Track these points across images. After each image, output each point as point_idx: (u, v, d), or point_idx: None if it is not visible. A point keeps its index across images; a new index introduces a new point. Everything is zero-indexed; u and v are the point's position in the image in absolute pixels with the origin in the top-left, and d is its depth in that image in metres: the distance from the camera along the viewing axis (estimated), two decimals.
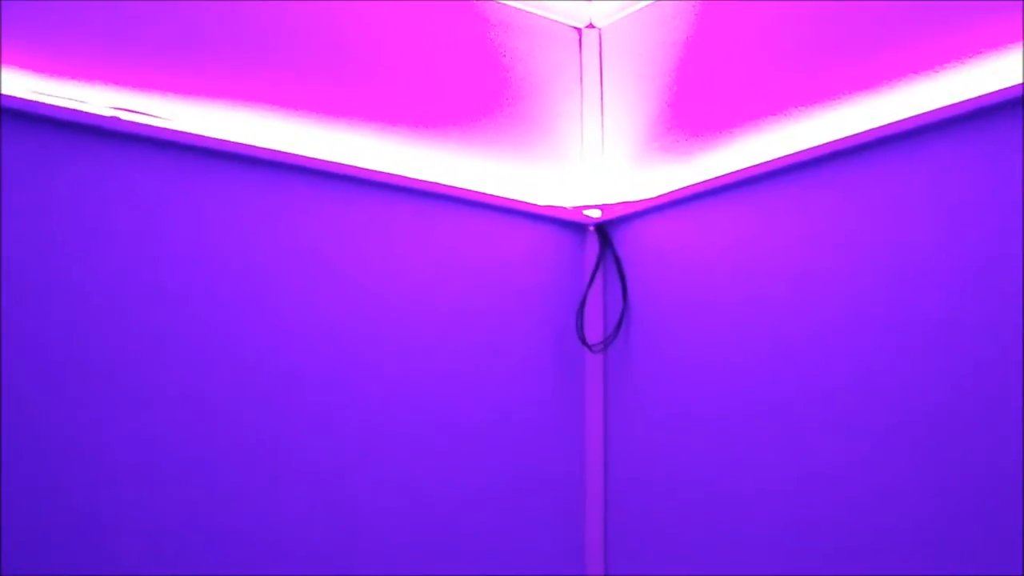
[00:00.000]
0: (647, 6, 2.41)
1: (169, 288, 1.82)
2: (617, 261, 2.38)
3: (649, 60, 2.39)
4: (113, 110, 1.81)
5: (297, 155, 2.01)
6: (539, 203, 2.37)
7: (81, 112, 1.75)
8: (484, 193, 2.28)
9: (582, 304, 2.36)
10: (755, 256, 2.09)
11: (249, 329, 1.91)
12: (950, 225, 1.75)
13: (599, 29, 2.52)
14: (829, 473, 1.89)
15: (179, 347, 1.81)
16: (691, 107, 2.28)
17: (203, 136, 1.89)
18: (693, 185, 2.22)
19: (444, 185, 2.22)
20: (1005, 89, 1.66)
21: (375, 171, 2.12)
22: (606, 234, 2.42)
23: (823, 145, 1.97)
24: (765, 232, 2.08)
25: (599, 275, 2.41)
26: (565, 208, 2.41)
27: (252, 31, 2.02)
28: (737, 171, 2.13)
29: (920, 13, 1.85)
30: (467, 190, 2.25)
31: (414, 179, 2.17)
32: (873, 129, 1.89)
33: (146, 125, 1.83)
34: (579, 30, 2.52)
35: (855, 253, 1.90)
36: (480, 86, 2.34)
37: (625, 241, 2.39)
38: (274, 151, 1.98)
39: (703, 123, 2.25)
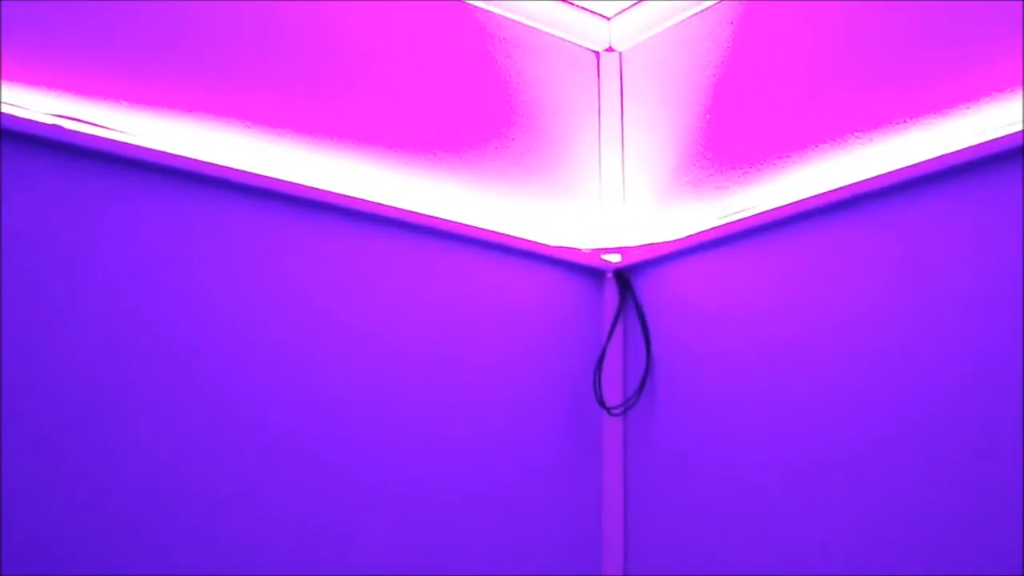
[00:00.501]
0: (671, 27, 2.15)
1: (128, 324, 1.55)
2: (639, 311, 2.09)
3: (674, 86, 2.12)
4: (55, 118, 1.54)
5: (277, 179, 1.77)
6: (551, 244, 2.09)
7: (21, 119, 1.50)
8: (489, 231, 2.01)
9: (600, 360, 2.07)
10: (797, 305, 1.80)
11: (224, 386, 1.66)
12: (1010, 272, 1.47)
13: (619, 52, 2.26)
14: (881, 551, 1.58)
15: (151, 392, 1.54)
16: (723, 137, 2.01)
17: (170, 154, 1.66)
18: (725, 225, 1.94)
19: (444, 220, 1.96)
20: None
21: (366, 201, 1.86)
22: (627, 281, 2.13)
23: (875, 178, 1.70)
24: (810, 278, 1.79)
25: (619, 327, 2.12)
26: (580, 251, 2.13)
27: (233, 38, 1.76)
28: (776, 208, 1.85)
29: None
30: (470, 227, 1.99)
31: (409, 212, 1.92)
32: (932, 159, 1.62)
33: (98, 137, 1.56)
34: (597, 53, 2.26)
35: (910, 299, 1.62)
36: (486, 111, 2.07)
37: (648, 289, 2.11)
38: (251, 174, 1.74)
39: (737, 155, 1.98)
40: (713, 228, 1.97)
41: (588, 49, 2.25)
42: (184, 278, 1.65)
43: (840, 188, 1.75)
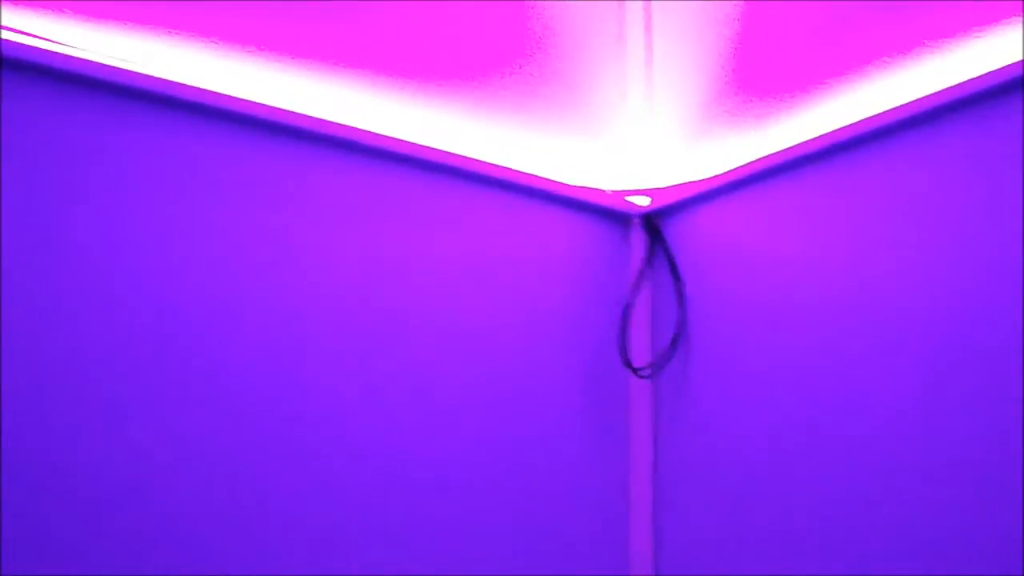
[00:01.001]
0: None
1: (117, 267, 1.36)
2: (671, 261, 1.84)
3: (712, 5, 1.86)
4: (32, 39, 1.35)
5: (266, 107, 1.56)
6: (570, 184, 1.85)
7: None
8: (499, 167, 1.78)
9: (625, 316, 1.82)
10: (854, 247, 1.55)
11: (218, 339, 1.48)
12: None
13: None
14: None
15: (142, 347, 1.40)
16: (764, 59, 1.75)
17: (155, 78, 1.47)
18: (767, 158, 1.69)
19: (448, 154, 1.72)
20: None
21: (361, 131, 1.64)
22: (656, 226, 1.89)
23: (946, 90, 1.44)
24: (868, 215, 1.54)
25: (647, 278, 1.88)
26: (604, 192, 1.88)
27: None
28: (828, 134, 1.60)
29: None
30: (477, 162, 1.75)
31: (408, 143, 1.68)
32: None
33: (76, 59, 1.39)
34: None
35: (983, 235, 1.36)
36: (495, 35, 1.83)
37: (681, 234, 1.86)
38: (239, 101, 1.54)
39: (780, 79, 1.72)
40: (753, 162, 1.71)
41: None
42: (177, 215, 1.46)
43: (902, 106, 1.50)
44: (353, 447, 1.56)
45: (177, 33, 1.51)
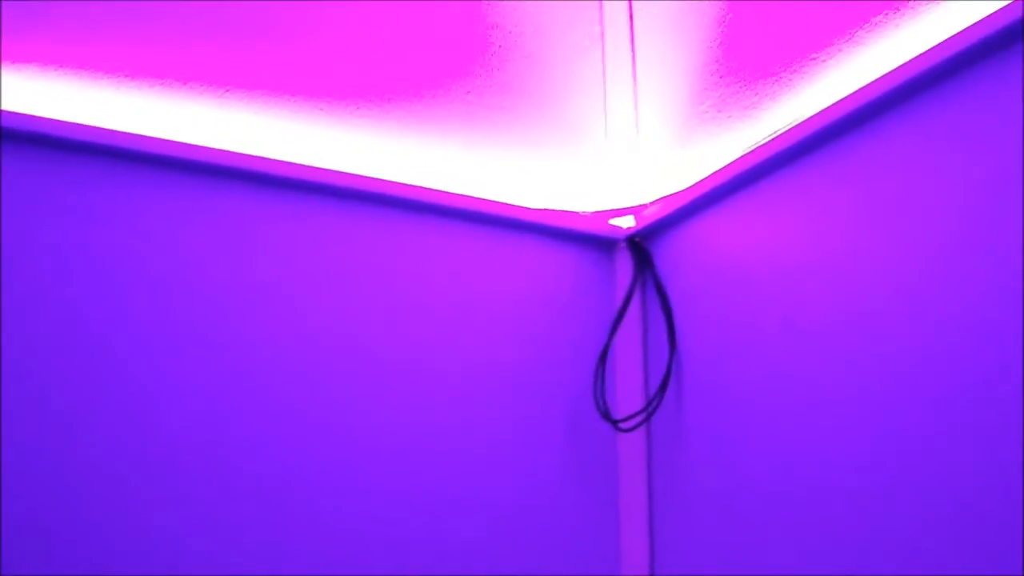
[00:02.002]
0: None
1: None
2: (660, 289, 1.55)
3: None
4: None
5: (190, 146, 1.38)
6: (544, 209, 1.58)
7: None
8: (462, 196, 1.54)
9: (602, 360, 1.53)
10: (875, 248, 1.23)
11: (151, 382, 1.31)
12: None
13: None
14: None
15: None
16: (752, 35, 1.46)
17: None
18: (763, 147, 1.39)
19: (402, 185, 1.49)
20: None
21: (289, 164, 1.43)
22: (643, 250, 1.59)
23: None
24: (889, 203, 1.23)
25: (633, 311, 1.58)
26: (582, 215, 1.61)
27: None
28: (829, 109, 1.30)
29: None
30: (436, 192, 1.52)
31: (352, 176, 1.46)
32: None
33: None
34: None
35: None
36: (453, 39, 1.59)
37: (672, 255, 1.56)
38: (168, 143, 1.37)
39: (768, 59, 1.43)
40: (747, 155, 1.41)
41: None
42: (103, 262, 1.31)
43: (913, 63, 1.19)
44: (310, 499, 1.35)
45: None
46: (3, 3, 1.31)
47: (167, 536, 1.27)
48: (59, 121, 1.31)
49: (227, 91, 1.42)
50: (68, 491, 1.23)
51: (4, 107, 1.28)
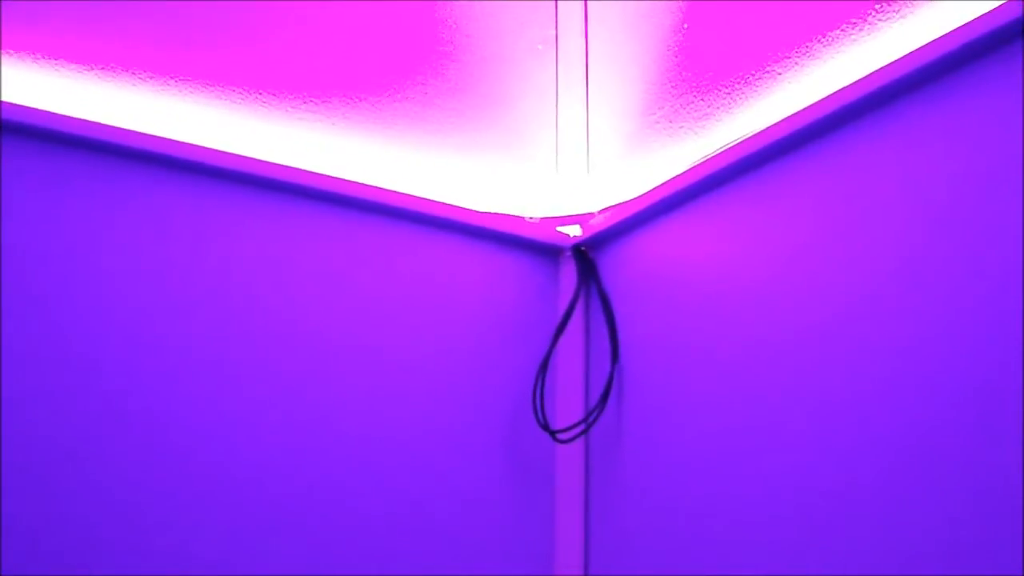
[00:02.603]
0: None
1: None
2: (604, 299, 1.53)
3: (650, 2, 1.58)
4: None
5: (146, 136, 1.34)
6: (488, 213, 1.55)
7: None
8: (404, 195, 1.50)
9: (543, 368, 1.50)
10: (823, 260, 1.22)
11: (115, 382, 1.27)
12: None
13: None
14: None
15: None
16: (705, 50, 1.45)
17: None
18: (713, 159, 1.38)
19: (344, 182, 1.46)
20: None
21: (246, 159, 1.39)
22: (588, 259, 1.57)
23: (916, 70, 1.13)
24: (837, 218, 1.22)
25: (576, 320, 1.55)
26: (528, 222, 1.58)
27: None
28: (782, 122, 1.29)
29: None
30: (376, 189, 1.48)
31: (296, 171, 1.43)
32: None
33: None
34: None
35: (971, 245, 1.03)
36: (401, 38, 1.55)
37: (617, 266, 1.54)
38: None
39: (722, 69, 1.42)
40: (696, 167, 1.40)
41: None
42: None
43: (869, 78, 1.19)
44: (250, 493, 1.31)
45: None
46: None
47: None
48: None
49: (172, 80, 1.38)
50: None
51: (4, 99, 1.25)
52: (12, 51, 1.29)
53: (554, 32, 1.68)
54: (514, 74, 1.63)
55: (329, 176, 1.44)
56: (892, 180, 1.15)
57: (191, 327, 1.32)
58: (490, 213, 1.56)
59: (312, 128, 1.46)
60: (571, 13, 1.67)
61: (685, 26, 1.48)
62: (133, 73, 1.36)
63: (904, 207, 1.12)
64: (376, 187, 1.47)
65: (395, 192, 1.48)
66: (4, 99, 1.26)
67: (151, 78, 1.36)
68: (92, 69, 1.33)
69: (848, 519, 1.11)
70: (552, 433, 1.46)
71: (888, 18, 1.19)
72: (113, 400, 1.25)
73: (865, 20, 1.22)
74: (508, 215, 1.57)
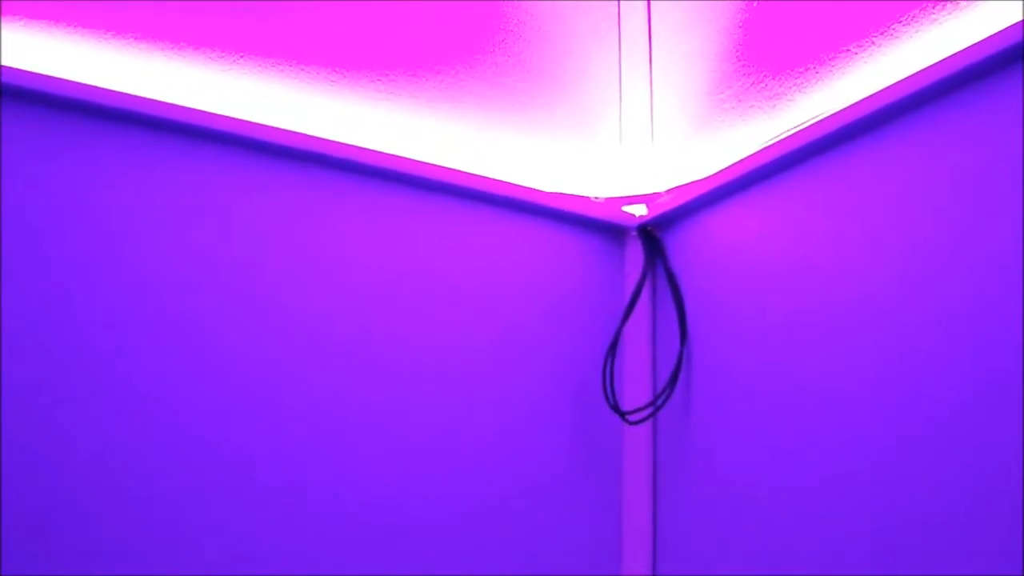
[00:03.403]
0: None
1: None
2: (672, 280, 1.52)
3: None
4: None
5: (200, 113, 1.33)
6: (555, 193, 1.54)
7: None
8: (473, 175, 1.49)
9: (612, 351, 1.49)
10: (894, 246, 1.21)
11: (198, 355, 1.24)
12: None
13: None
14: None
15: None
16: (777, 24, 1.43)
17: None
18: (783, 142, 1.36)
19: (406, 160, 1.45)
20: None
21: (302, 136, 1.38)
22: (655, 239, 1.56)
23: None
24: (909, 204, 1.20)
25: (643, 301, 1.55)
26: (594, 202, 1.57)
27: None
28: (854, 106, 1.27)
29: None
30: (446, 170, 1.48)
31: (358, 149, 1.42)
32: None
33: None
34: None
35: None
36: (460, 23, 1.54)
37: (685, 246, 1.53)
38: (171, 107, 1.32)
39: (795, 49, 1.39)
40: (765, 150, 1.38)
41: None
42: (90, 232, 1.26)
43: (941, 64, 1.16)
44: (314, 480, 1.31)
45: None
46: None
47: (166, 534, 1.22)
48: (59, 79, 1.26)
49: (240, 57, 1.38)
50: (65, 483, 1.18)
51: (4, 63, 1.23)
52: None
53: (616, 10, 1.66)
54: (578, 52, 1.62)
55: (394, 155, 1.43)
56: (974, 164, 1.12)
57: (261, 309, 1.32)
58: (555, 193, 1.55)
59: (378, 106, 1.46)
60: None
61: (754, 3, 1.46)
62: (200, 50, 1.36)
63: (988, 191, 1.10)
64: (442, 167, 1.47)
65: (461, 172, 1.48)
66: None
67: (220, 57, 1.36)
68: (159, 45, 1.33)
69: (934, 506, 1.11)
70: (622, 415, 1.46)
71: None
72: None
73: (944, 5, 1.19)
74: (573, 195, 1.56)
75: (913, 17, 1.23)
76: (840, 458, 1.22)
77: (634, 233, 1.58)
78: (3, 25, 1.24)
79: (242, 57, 1.37)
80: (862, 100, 1.25)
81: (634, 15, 1.64)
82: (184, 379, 1.26)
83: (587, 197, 1.57)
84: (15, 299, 1.19)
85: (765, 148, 1.38)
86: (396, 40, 1.49)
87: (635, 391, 1.52)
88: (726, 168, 1.44)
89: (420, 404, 1.40)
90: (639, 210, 1.58)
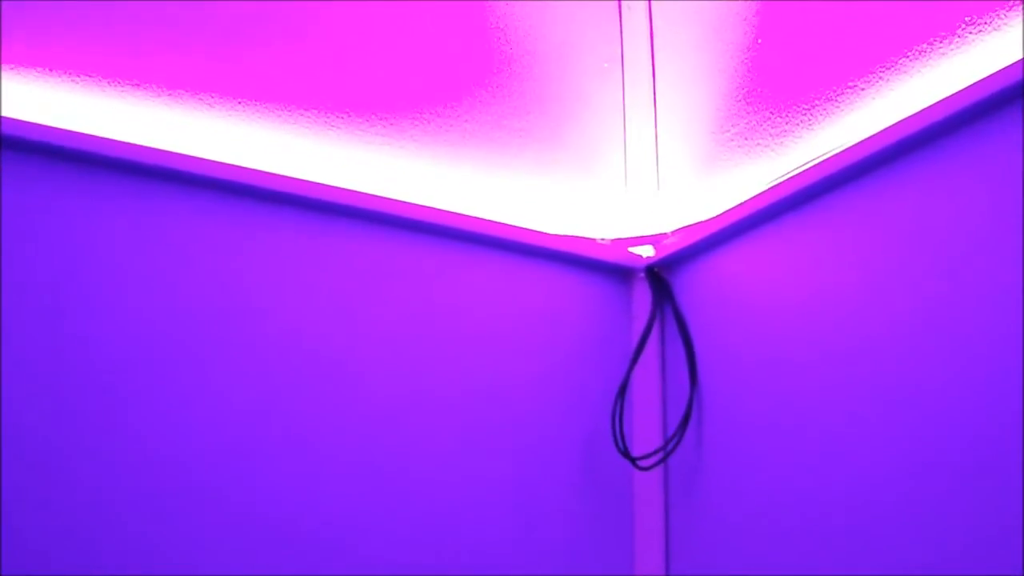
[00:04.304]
0: None
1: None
2: (680, 322, 1.49)
3: (720, 16, 1.54)
4: None
5: (208, 162, 1.32)
6: (559, 235, 1.53)
7: None
8: (473, 218, 1.47)
9: (620, 394, 1.46)
10: (910, 286, 1.18)
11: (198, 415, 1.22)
12: None
13: None
14: None
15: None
16: (782, 63, 1.42)
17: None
18: (793, 179, 1.34)
19: (410, 205, 1.43)
20: None
21: (298, 181, 1.37)
22: (663, 280, 1.54)
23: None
24: (925, 243, 1.18)
25: (652, 344, 1.52)
26: (600, 243, 1.55)
27: None
28: (864, 142, 1.25)
29: None
30: (446, 213, 1.46)
31: (363, 195, 1.40)
32: None
33: None
34: None
35: None
36: (467, 59, 1.53)
37: (693, 288, 1.51)
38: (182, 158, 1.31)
39: (801, 85, 1.38)
40: (774, 188, 1.36)
41: None
42: (106, 283, 1.24)
43: (961, 95, 1.14)
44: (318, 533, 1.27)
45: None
46: (3, 6, 1.25)
47: (167, 536, 1.20)
48: (57, 129, 1.25)
49: (239, 104, 1.36)
50: (66, 494, 1.17)
51: (4, 114, 1.22)
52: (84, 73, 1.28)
53: (620, 49, 1.65)
54: (581, 92, 1.61)
55: (395, 200, 1.42)
56: (984, 200, 1.10)
57: (260, 360, 1.30)
58: (561, 235, 1.53)
59: (380, 151, 1.44)
60: (637, 30, 1.64)
61: (759, 41, 1.45)
62: (200, 99, 1.35)
63: (997, 228, 1.08)
64: (445, 211, 1.45)
65: (463, 215, 1.46)
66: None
67: (218, 103, 1.35)
68: (152, 91, 1.32)
69: (945, 556, 1.07)
70: (633, 460, 1.43)
71: (980, 30, 1.14)
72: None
73: (955, 33, 1.18)
74: (579, 237, 1.54)
75: (921, 51, 1.21)
76: (857, 503, 1.19)
77: (641, 275, 1.55)
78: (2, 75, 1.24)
79: (240, 103, 1.36)
80: (871, 136, 1.23)
81: (638, 53, 1.63)
82: (185, 424, 1.24)
83: (593, 239, 1.55)
84: (13, 346, 1.17)
85: (774, 186, 1.36)
86: (398, 83, 1.47)
87: (645, 436, 1.48)
88: (734, 207, 1.42)
89: (426, 452, 1.37)
90: (646, 251, 1.56)
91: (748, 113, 1.46)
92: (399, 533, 1.32)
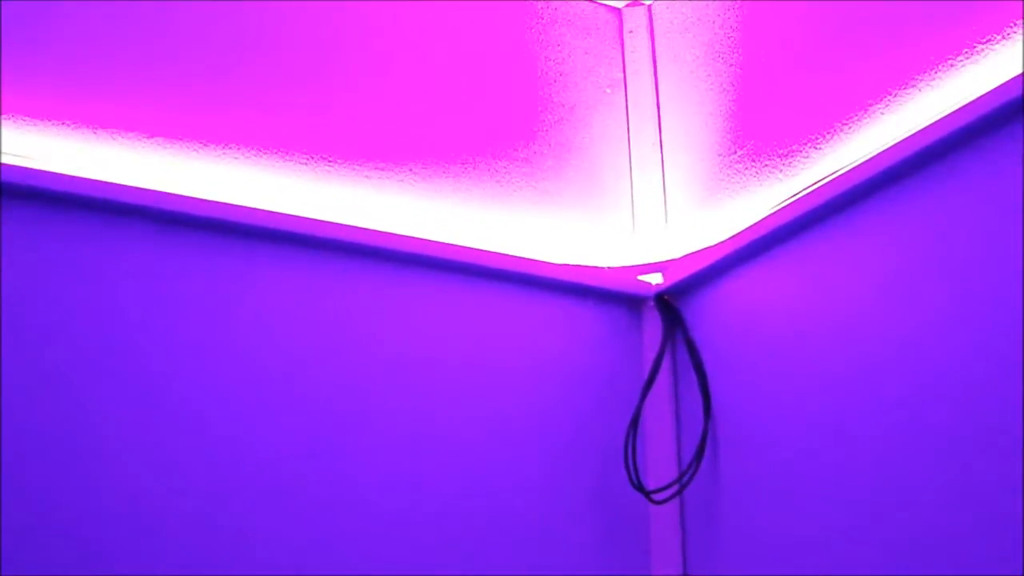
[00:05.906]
0: None
1: None
2: (692, 350, 1.46)
3: (718, 35, 1.51)
4: None
5: (242, 208, 1.33)
6: (567, 265, 1.49)
7: None
8: (481, 251, 1.45)
9: (633, 426, 1.43)
10: (922, 307, 1.14)
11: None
12: None
13: (647, 5, 1.67)
14: None
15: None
16: (786, 91, 1.39)
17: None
18: (801, 200, 1.31)
19: (422, 241, 1.41)
20: None
21: (311, 221, 1.36)
22: (673, 308, 1.50)
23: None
24: (944, 259, 1.14)
25: (664, 373, 1.48)
26: (608, 271, 1.52)
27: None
28: (872, 160, 1.22)
29: None
30: (454, 247, 1.43)
31: (368, 232, 1.38)
32: None
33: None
34: (618, 11, 1.68)
35: None
36: (474, 99, 1.52)
37: (705, 315, 1.47)
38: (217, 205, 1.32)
39: (809, 108, 1.35)
40: (783, 210, 1.33)
41: (606, 6, 1.67)
42: (159, 325, 1.25)
43: (972, 107, 1.11)
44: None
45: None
46: (3, 55, 1.24)
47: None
48: (57, 174, 1.24)
49: (264, 152, 1.36)
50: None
51: (4, 160, 1.21)
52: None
53: (622, 75, 1.63)
54: (584, 120, 1.58)
55: (402, 235, 1.40)
56: (998, 217, 1.07)
57: (268, 393, 1.28)
58: (569, 265, 1.50)
59: (383, 188, 1.42)
60: (639, 55, 1.62)
61: (763, 62, 1.42)
62: (227, 147, 1.33)
63: (1009, 245, 1.04)
64: (450, 244, 1.42)
65: (471, 248, 1.44)
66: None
67: (231, 150, 1.34)
68: (150, 138, 1.31)
69: None
70: (647, 494, 1.39)
71: (991, 45, 1.11)
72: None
73: (966, 49, 1.14)
74: (587, 266, 1.51)
75: (930, 66, 1.18)
76: (879, 538, 1.14)
77: (651, 303, 1.52)
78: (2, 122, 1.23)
79: (264, 152, 1.36)
80: (881, 152, 1.20)
81: (639, 77, 1.61)
82: (191, 465, 1.22)
83: (600, 267, 1.52)
84: (14, 393, 1.16)
85: (783, 208, 1.33)
86: (403, 121, 1.46)
87: (659, 468, 1.44)
88: (743, 230, 1.39)
89: (437, 487, 1.33)
90: (655, 279, 1.52)
91: (755, 134, 1.43)
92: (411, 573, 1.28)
